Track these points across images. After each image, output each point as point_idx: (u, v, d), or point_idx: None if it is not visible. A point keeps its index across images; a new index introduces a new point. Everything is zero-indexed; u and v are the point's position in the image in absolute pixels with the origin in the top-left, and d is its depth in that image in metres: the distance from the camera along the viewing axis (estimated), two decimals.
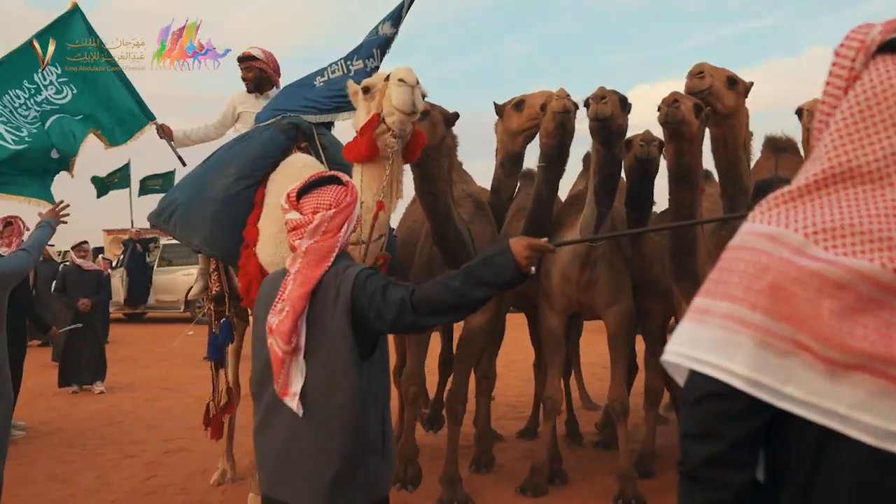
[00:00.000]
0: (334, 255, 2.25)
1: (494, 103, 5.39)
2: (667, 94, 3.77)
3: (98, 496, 5.08)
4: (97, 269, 9.18)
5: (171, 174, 20.77)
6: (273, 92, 5.25)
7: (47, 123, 5.06)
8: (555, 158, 4.49)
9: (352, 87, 3.49)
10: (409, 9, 4.73)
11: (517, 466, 5.43)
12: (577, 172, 5.90)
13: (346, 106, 4.43)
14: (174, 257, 16.71)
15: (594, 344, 7.87)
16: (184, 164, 5.43)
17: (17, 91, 5.10)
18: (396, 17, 4.70)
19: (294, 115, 4.41)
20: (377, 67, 4.61)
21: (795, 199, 1.14)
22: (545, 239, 2.28)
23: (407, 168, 3.68)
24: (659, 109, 3.60)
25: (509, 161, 5.33)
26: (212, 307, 4.74)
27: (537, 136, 4.70)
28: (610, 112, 3.52)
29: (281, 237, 3.95)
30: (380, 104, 3.17)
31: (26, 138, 4.95)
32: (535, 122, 4.95)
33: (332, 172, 2.44)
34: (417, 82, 3.07)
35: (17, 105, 5.02)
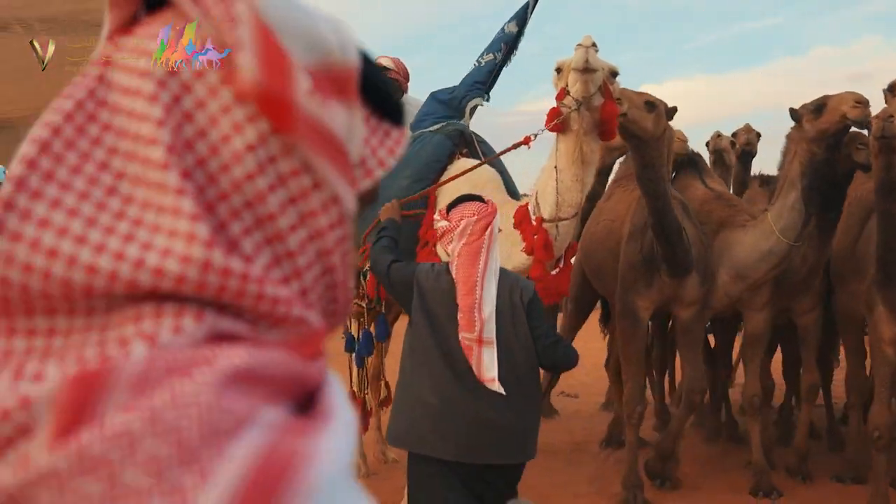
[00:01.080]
0: (482, 255, 2.69)
1: None
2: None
3: None
4: None
5: None
6: (406, 98, 5.42)
7: None
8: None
9: (554, 76, 3.69)
10: (533, 10, 4.96)
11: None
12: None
13: (477, 93, 4.77)
14: None
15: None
16: None
17: None
18: (522, 18, 4.98)
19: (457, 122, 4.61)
20: (504, 60, 4.96)
21: None
22: None
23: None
24: (869, 123, 3.77)
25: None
26: (365, 305, 4.86)
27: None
28: None
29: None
30: (566, 80, 3.41)
31: None
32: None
33: (476, 195, 2.94)
34: (593, 44, 3.29)
35: None
